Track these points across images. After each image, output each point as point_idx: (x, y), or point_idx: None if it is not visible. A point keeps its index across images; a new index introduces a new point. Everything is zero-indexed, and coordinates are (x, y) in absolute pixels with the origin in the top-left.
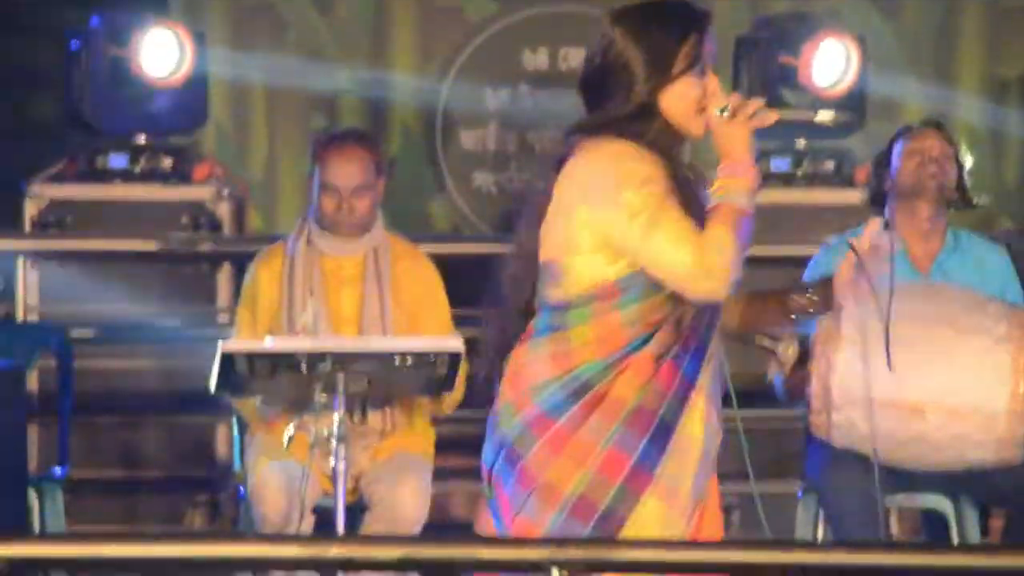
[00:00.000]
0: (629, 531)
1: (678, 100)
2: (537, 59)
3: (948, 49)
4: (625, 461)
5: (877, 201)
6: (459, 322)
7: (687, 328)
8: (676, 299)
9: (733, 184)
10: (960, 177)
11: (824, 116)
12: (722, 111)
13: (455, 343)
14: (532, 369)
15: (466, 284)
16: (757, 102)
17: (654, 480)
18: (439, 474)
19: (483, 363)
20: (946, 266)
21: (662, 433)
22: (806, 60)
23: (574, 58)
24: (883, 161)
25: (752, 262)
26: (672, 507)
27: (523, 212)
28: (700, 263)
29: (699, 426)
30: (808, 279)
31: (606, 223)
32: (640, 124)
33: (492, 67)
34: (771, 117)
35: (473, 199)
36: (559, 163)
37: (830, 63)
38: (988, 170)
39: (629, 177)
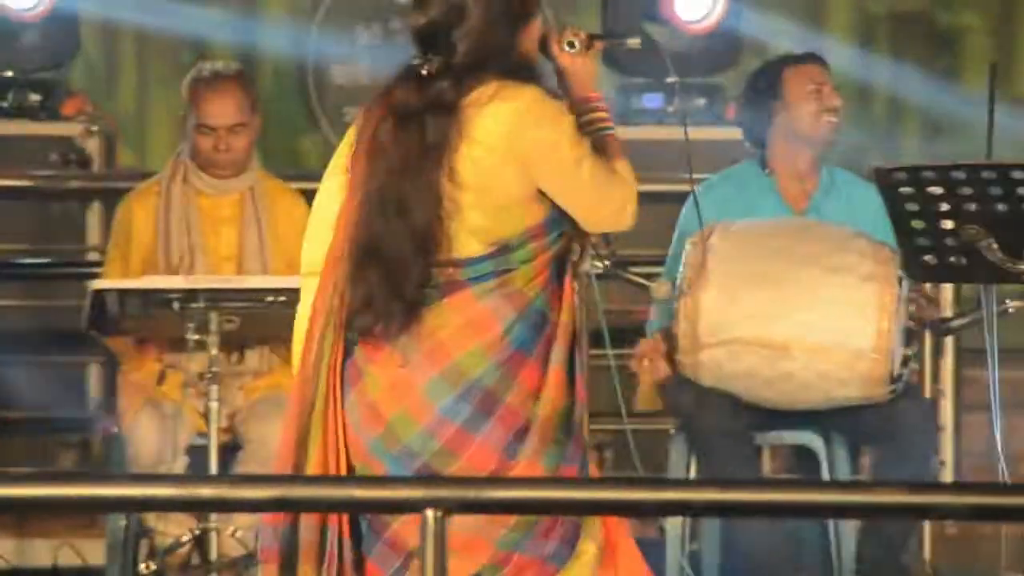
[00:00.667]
0: None
1: (532, 41)
2: None
3: None
4: (582, 381)
5: (755, 135)
6: None
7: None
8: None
9: (605, 116)
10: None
11: (633, 42)
12: (571, 46)
13: None
14: (494, 312)
15: None
16: (583, 32)
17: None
18: None
19: (379, 314)
20: (820, 204)
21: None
22: None
23: None
24: (763, 92)
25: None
26: None
27: (408, 154)
28: (630, 195)
29: None
30: (686, 219)
31: (548, 168)
32: (525, 69)
33: (363, 3)
34: (597, 44)
35: (345, 134)
36: (450, 104)
37: None
38: (857, 108)
39: (565, 124)
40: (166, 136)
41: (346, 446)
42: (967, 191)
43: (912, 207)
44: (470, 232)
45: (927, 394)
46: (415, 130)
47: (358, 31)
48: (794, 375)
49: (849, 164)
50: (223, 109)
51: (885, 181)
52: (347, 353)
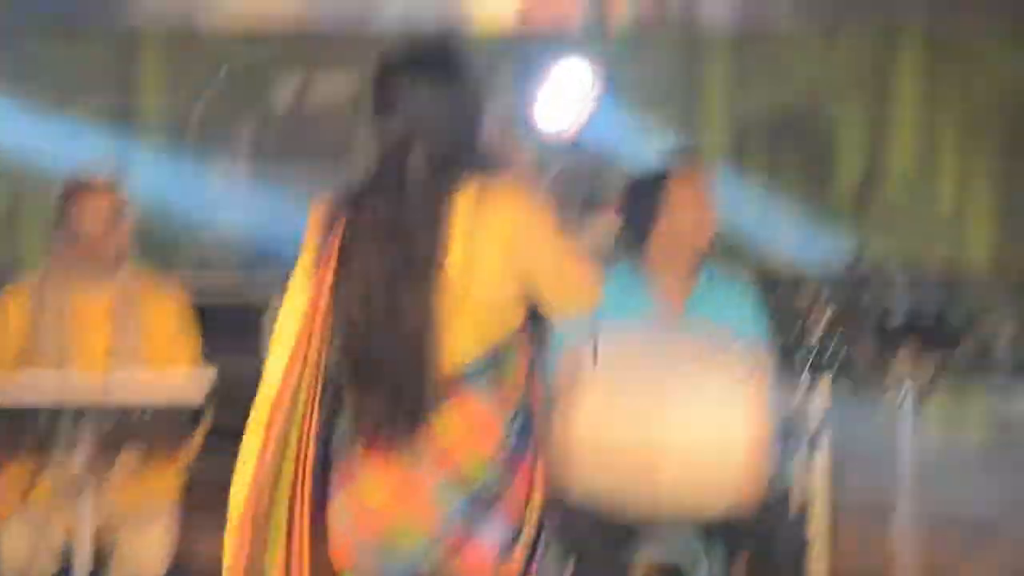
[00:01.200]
0: None
1: (487, 132)
2: (287, 89)
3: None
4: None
5: (636, 236)
6: (207, 358)
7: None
8: None
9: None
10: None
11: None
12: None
13: (208, 373)
14: (494, 414)
15: (216, 319)
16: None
17: None
18: (186, 519)
19: (382, 424)
20: (698, 304)
21: None
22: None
23: (324, 86)
24: (647, 195)
25: None
26: None
27: (396, 266)
28: (599, 284)
29: None
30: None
31: (543, 261)
32: (490, 159)
33: (241, 99)
34: None
35: (224, 230)
36: (436, 212)
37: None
38: (733, 208)
39: (547, 217)
40: (39, 235)
41: (311, 554)
42: (843, 289)
43: (787, 308)
44: (467, 335)
45: (799, 499)
46: (402, 242)
47: (236, 127)
48: (667, 484)
49: (727, 264)
50: (95, 212)
51: (761, 281)
52: (325, 461)
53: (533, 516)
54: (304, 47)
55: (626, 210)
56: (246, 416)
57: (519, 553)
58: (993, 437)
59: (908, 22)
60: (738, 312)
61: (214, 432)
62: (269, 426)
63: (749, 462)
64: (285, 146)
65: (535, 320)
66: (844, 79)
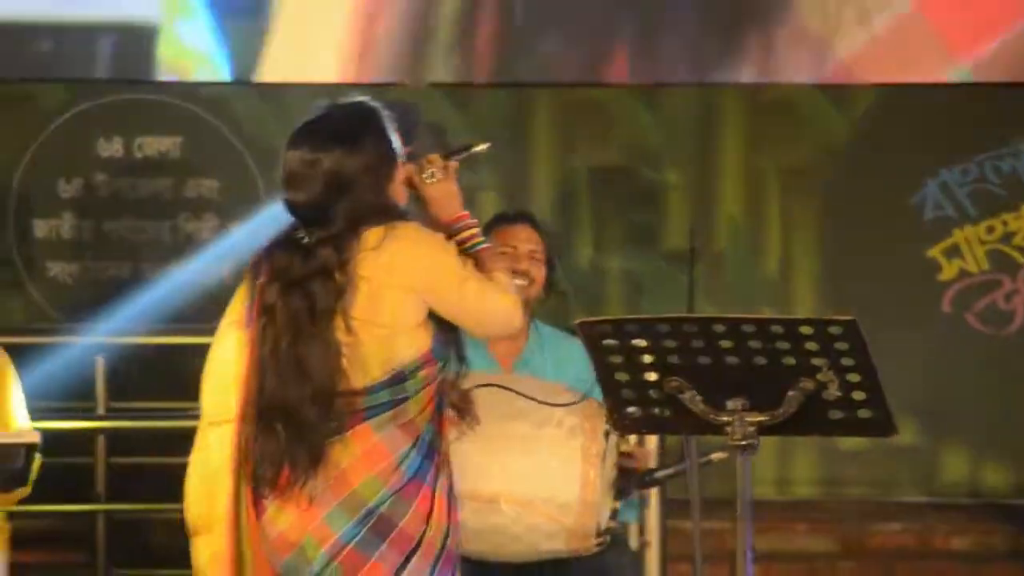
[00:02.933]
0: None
1: (398, 185)
2: (112, 147)
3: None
4: (455, 505)
5: None
6: (33, 415)
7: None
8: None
9: (476, 231)
10: (550, 272)
11: (480, 147)
12: (431, 176)
13: (32, 435)
14: (388, 444)
15: (40, 374)
16: (438, 159)
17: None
18: (17, 571)
19: (283, 466)
20: (529, 361)
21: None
22: None
23: (149, 146)
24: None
25: None
26: None
27: (299, 319)
28: (514, 302)
29: None
30: None
31: (438, 293)
32: (396, 210)
33: (65, 155)
34: (453, 164)
35: (48, 288)
36: (335, 270)
37: None
38: (562, 263)
39: (447, 251)
40: None
41: None
42: (670, 343)
43: (616, 359)
44: (367, 361)
45: (633, 545)
46: (302, 296)
47: (60, 183)
48: (503, 528)
49: (557, 317)
50: None
51: (589, 334)
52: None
53: (431, 547)
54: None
55: None
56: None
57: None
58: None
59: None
60: (572, 368)
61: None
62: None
63: (582, 506)
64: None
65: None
66: (667, 137)
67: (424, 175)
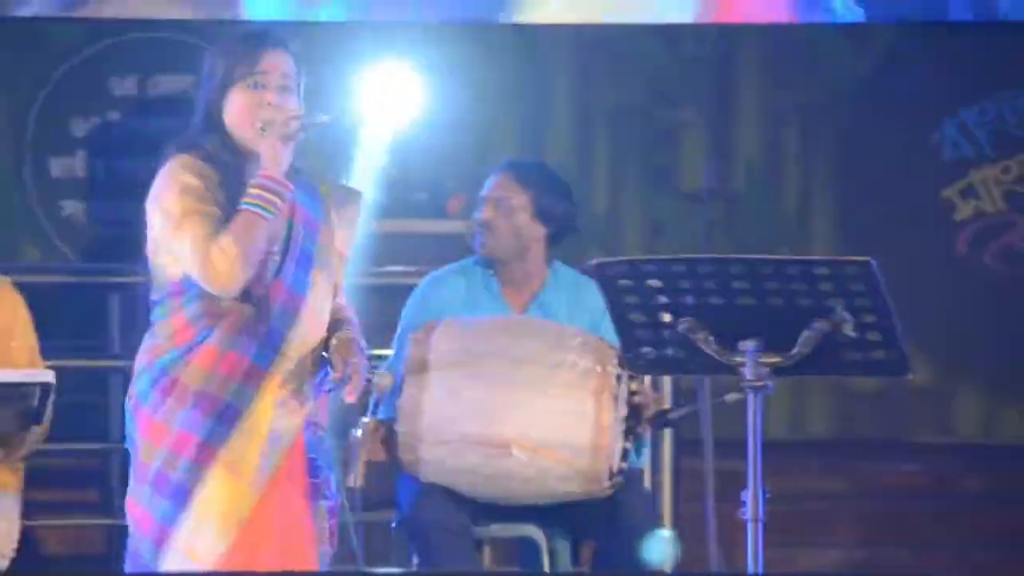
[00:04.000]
0: (198, 501)
1: (230, 114)
2: (125, 85)
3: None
4: (192, 439)
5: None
6: (47, 353)
7: (250, 322)
8: (240, 296)
9: (255, 192)
10: (548, 214)
11: (322, 118)
12: (262, 128)
13: (46, 374)
14: (136, 364)
15: (53, 314)
16: (288, 114)
17: (219, 456)
18: (31, 508)
19: None
20: (544, 302)
21: (230, 415)
22: None
23: (164, 85)
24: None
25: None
26: (238, 479)
27: None
28: (207, 263)
29: (269, 410)
30: (410, 314)
31: (156, 228)
32: (205, 138)
33: (79, 94)
34: (292, 123)
35: (62, 227)
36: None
37: None
38: (578, 198)
39: (170, 187)
40: None
41: None
42: (685, 284)
43: (631, 300)
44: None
45: (647, 485)
46: None
47: (75, 121)
48: (515, 472)
49: (572, 257)
50: None
51: (604, 275)
52: None
53: (153, 475)
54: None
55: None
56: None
57: (136, 496)
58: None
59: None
60: (587, 311)
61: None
62: None
63: (595, 449)
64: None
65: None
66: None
67: (259, 124)
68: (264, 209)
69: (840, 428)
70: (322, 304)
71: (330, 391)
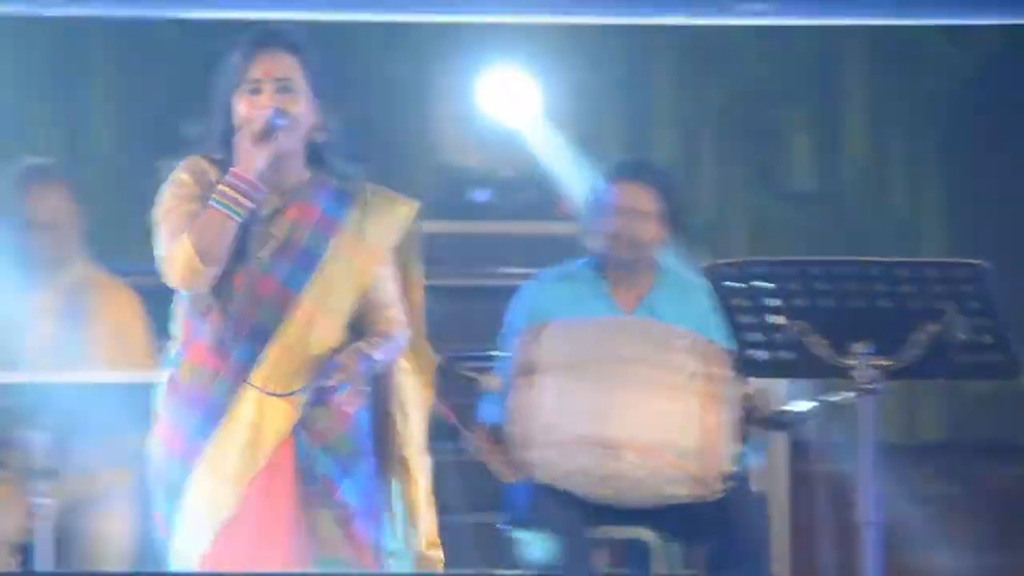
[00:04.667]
0: (188, 498)
1: (235, 118)
2: None
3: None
4: (182, 438)
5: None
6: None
7: (235, 319)
8: (218, 291)
9: (220, 191)
10: (675, 219)
11: (285, 119)
12: (243, 126)
13: (156, 375)
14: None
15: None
16: (259, 114)
17: (205, 455)
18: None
19: None
20: (652, 303)
21: (215, 412)
22: None
23: None
24: (597, 200)
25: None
26: (219, 479)
27: None
28: (167, 259)
29: (251, 405)
30: (517, 316)
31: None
32: (217, 142)
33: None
34: (263, 126)
35: None
36: None
37: None
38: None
39: (166, 187)
40: None
41: None
42: (795, 286)
43: (741, 302)
44: None
45: (757, 489)
46: None
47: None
48: (627, 474)
49: (683, 263)
50: (45, 204)
51: (714, 276)
52: None
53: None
54: None
55: (588, 207)
56: None
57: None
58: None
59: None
60: (696, 312)
61: None
62: None
63: (705, 452)
64: None
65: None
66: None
67: (243, 122)
68: (228, 208)
69: (954, 431)
70: (329, 305)
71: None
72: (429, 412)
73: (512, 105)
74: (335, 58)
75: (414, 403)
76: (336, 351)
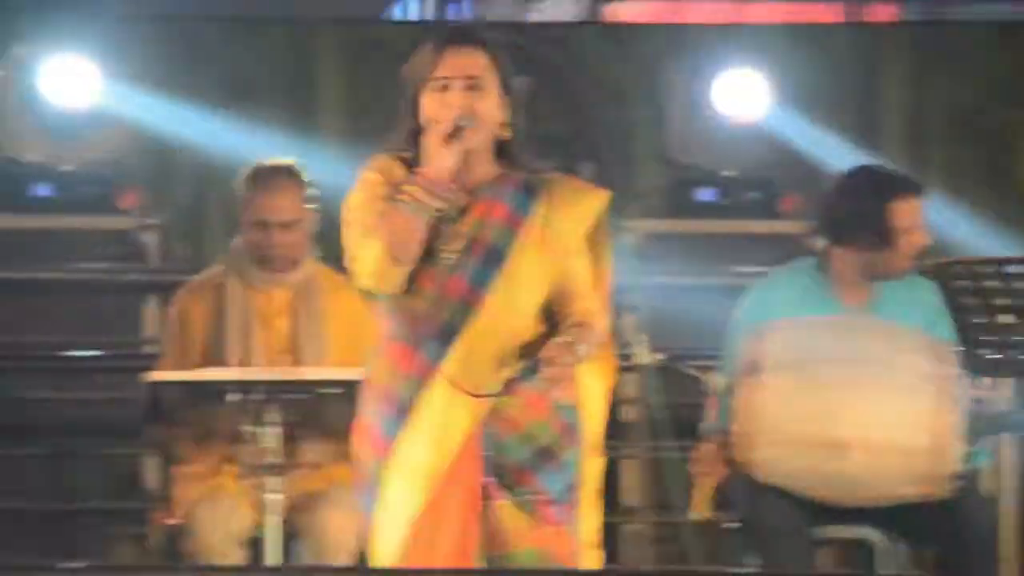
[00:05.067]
0: (383, 498)
1: (421, 116)
2: None
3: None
4: (376, 434)
5: (829, 232)
6: None
7: (423, 318)
8: (407, 290)
9: (407, 190)
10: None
11: (470, 120)
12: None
13: None
14: None
15: None
16: (450, 116)
17: (396, 453)
18: None
19: None
20: (879, 302)
21: (404, 409)
22: None
23: None
24: (861, 219)
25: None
26: (409, 477)
27: None
28: (356, 260)
29: (441, 402)
30: (744, 315)
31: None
32: (405, 138)
33: None
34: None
35: None
36: None
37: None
38: None
39: (354, 186)
40: (221, 230)
41: None
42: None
43: (970, 302)
44: None
45: (986, 490)
46: None
47: None
48: (853, 473)
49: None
50: (277, 204)
51: (943, 275)
52: None
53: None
54: None
55: (830, 210)
56: None
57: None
58: None
59: None
60: (922, 311)
61: None
62: None
63: (935, 451)
64: None
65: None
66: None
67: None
68: (417, 208)
69: None
70: (517, 301)
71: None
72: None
73: (743, 104)
74: (560, 58)
75: (594, 397)
76: (529, 346)
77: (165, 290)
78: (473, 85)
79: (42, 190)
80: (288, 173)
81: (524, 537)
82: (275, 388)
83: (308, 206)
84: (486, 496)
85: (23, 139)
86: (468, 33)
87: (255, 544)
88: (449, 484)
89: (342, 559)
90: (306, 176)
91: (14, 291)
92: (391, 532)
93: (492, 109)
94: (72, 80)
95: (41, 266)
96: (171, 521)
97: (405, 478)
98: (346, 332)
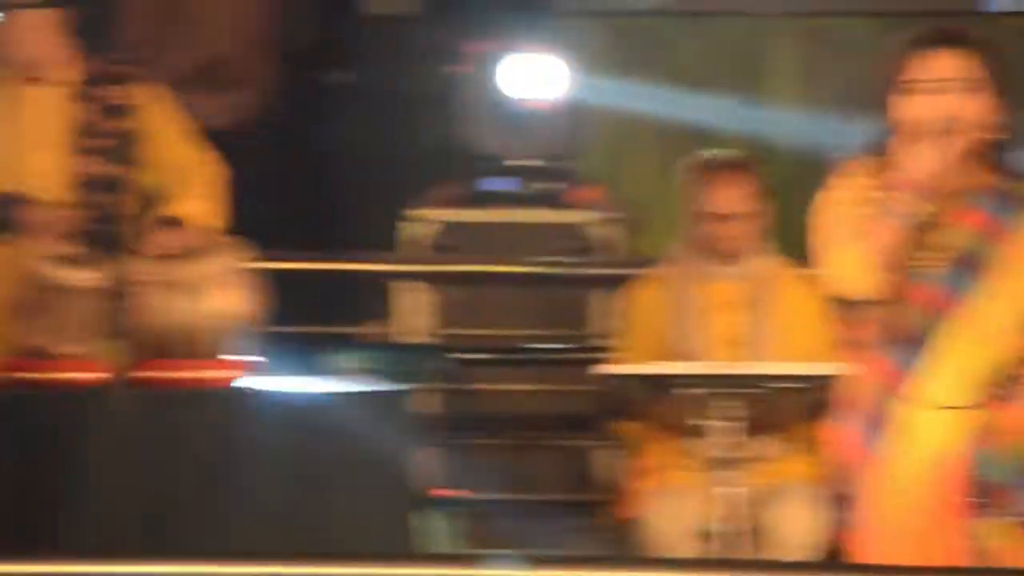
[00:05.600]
0: (862, 508)
1: (899, 117)
2: None
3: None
4: (852, 443)
5: None
6: None
7: (896, 327)
8: (888, 299)
9: (888, 196)
10: None
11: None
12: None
13: (835, 367)
14: None
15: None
16: (940, 124)
17: (871, 460)
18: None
19: None
20: None
21: (880, 419)
22: None
23: None
24: None
25: None
26: (891, 490)
27: None
28: (830, 266)
29: (922, 418)
30: None
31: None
32: (878, 141)
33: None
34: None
35: None
36: None
37: None
38: None
39: (826, 188)
40: (668, 224)
41: None
42: None
43: None
44: None
45: None
46: None
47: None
48: None
49: None
50: (727, 196)
51: None
52: None
53: None
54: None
55: None
56: None
57: None
58: None
59: None
60: None
61: None
62: None
63: None
64: None
65: None
66: None
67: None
68: (895, 213)
69: None
70: (998, 314)
71: None
72: None
73: None
74: None
75: None
76: (1012, 361)
77: (613, 284)
78: (953, 87)
79: (501, 184)
80: (737, 166)
81: (1005, 559)
82: (730, 382)
83: (758, 199)
84: (978, 514)
85: (485, 135)
86: (948, 35)
87: (708, 538)
88: (930, 500)
89: (800, 555)
90: (755, 169)
91: (479, 283)
92: (872, 545)
93: (975, 113)
94: (533, 76)
95: (500, 258)
96: (627, 514)
97: (886, 491)
98: (799, 327)
